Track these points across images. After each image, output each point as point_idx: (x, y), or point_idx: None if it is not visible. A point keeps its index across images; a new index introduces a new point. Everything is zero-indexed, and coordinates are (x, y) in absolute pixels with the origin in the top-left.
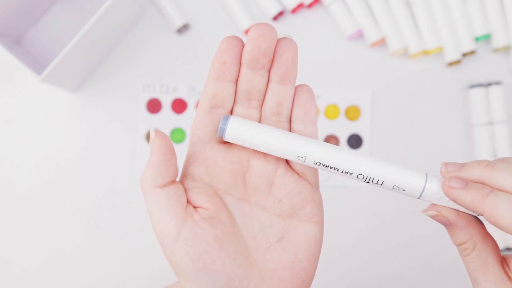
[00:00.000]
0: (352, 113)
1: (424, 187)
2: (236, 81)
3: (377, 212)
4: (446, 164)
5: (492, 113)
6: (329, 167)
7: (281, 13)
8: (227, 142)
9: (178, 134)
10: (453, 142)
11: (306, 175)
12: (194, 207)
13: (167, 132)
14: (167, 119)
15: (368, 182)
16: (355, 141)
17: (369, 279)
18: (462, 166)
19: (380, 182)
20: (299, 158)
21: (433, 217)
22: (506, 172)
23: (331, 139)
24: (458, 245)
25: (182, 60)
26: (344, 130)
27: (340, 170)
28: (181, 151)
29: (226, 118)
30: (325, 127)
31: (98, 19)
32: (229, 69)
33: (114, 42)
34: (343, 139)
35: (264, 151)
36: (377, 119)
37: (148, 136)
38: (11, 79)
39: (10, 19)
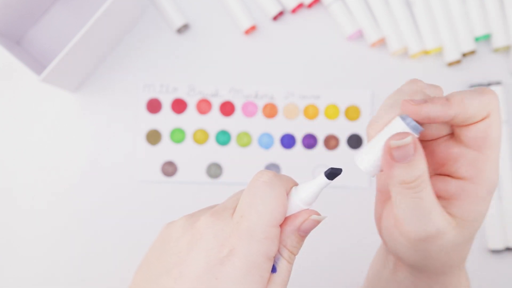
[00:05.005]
0: (352, 113)
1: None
2: None
3: None
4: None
5: None
6: None
7: (281, 13)
8: None
9: (178, 134)
10: None
11: None
12: None
13: (167, 132)
14: (167, 119)
15: None
16: (355, 141)
17: None
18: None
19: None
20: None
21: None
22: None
23: (331, 139)
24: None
25: (182, 60)
26: (344, 130)
27: None
28: (181, 151)
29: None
30: (325, 127)
31: (98, 19)
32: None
33: (114, 42)
34: (343, 139)
35: None
36: None
37: (148, 136)
38: (11, 79)
39: (10, 19)
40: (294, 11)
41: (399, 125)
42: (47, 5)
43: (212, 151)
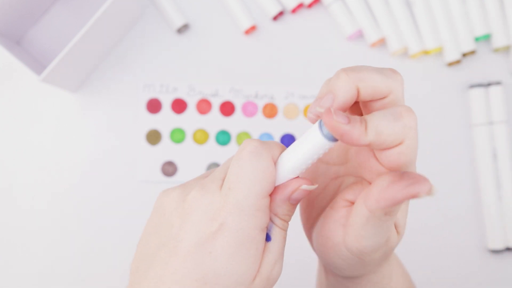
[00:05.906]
0: None
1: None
2: None
3: None
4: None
5: (492, 113)
6: None
7: (281, 13)
8: None
9: (178, 134)
10: (453, 142)
11: None
12: None
13: (167, 132)
14: (167, 119)
15: None
16: None
17: None
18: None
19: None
20: None
21: None
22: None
23: None
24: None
25: (182, 60)
26: None
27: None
28: (181, 151)
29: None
30: None
31: (98, 19)
32: None
33: (114, 42)
34: None
35: None
36: None
37: (148, 136)
38: (11, 79)
39: (10, 19)
40: (294, 11)
41: (316, 136)
42: (47, 5)
43: (212, 151)
